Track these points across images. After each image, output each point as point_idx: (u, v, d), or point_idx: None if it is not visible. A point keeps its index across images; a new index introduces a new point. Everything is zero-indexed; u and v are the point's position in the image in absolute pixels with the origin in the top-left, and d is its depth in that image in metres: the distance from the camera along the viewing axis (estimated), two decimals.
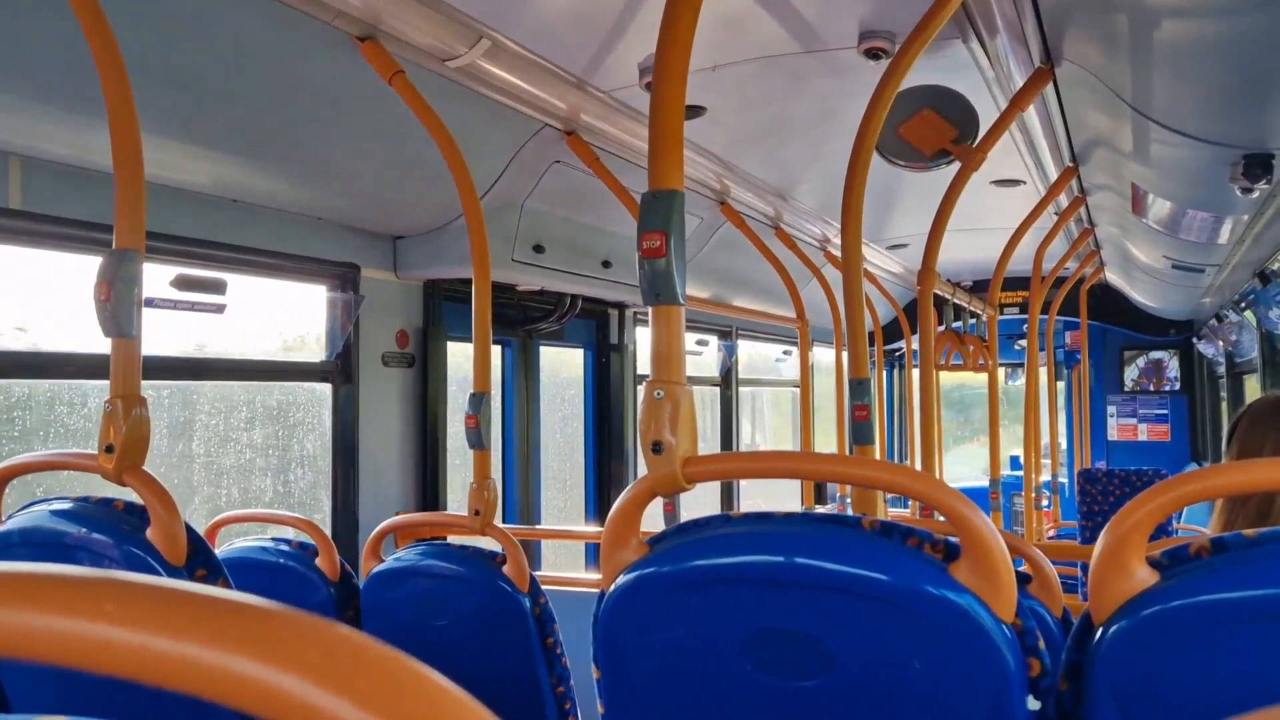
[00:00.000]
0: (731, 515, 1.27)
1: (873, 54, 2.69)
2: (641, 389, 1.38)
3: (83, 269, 2.48)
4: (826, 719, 1.17)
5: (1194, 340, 7.61)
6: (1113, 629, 1.06)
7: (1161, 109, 2.53)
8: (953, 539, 1.15)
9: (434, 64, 2.46)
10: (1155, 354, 8.18)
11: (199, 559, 1.56)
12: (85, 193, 2.34)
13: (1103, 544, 1.08)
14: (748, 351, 6.58)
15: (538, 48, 2.60)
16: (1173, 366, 8.11)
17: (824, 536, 1.18)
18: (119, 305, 1.62)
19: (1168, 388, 8.09)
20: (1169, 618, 1.03)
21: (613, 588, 1.29)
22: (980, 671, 1.10)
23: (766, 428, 7.87)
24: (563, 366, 4.77)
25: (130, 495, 1.62)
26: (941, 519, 1.27)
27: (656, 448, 1.32)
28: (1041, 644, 1.12)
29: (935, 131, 3.00)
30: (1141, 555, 1.07)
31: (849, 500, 6.00)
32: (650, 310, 1.38)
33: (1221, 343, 5.84)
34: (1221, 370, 6.62)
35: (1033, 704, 1.11)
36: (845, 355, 5.69)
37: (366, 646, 0.35)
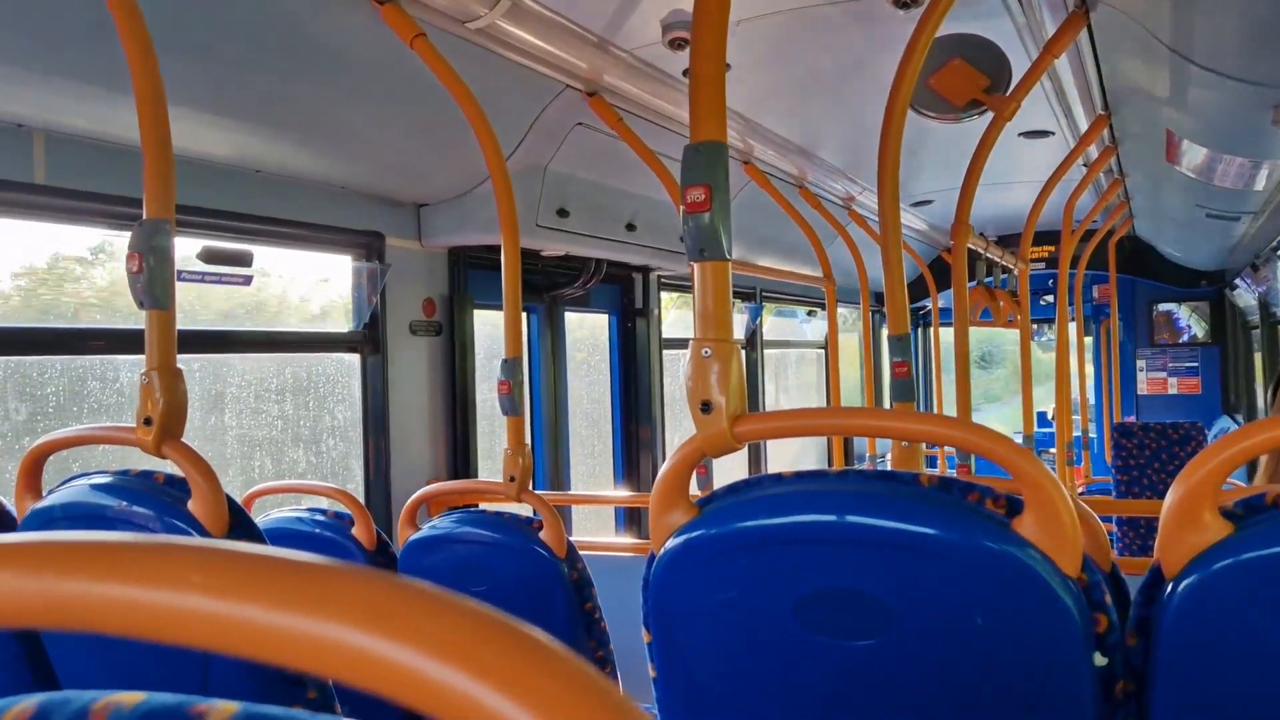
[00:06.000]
0: (783, 474, 1.25)
1: (902, 3, 2.62)
2: (688, 349, 1.34)
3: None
4: (885, 677, 1.15)
5: (1227, 291, 7.49)
6: (1184, 583, 1.03)
7: (1202, 49, 2.46)
8: (1014, 494, 1.12)
9: (454, 26, 2.41)
10: (1164, 306, 8.02)
11: (241, 530, 1.55)
12: (110, 167, 2.32)
13: (1173, 496, 1.05)
14: (770, 320, 6.52)
15: (558, 7, 2.56)
16: (1183, 318, 7.96)
17: (880, 494, 1.15)
18: (152, 276, 1.60)
19: (1184, 338, 7.95)
20: (1244, 569, 1.00)
21: (663, 550, 1.27)
22: (1046, 627, 1.07)
23: (791, 391, 7.84)
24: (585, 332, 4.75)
25: (169, 467, 1.61)
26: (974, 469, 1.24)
27: (705, 407, 1.29)
28: (1108, 598, 1.09)
29: (966, 81, 2.93)
30: (1214, 506, 1.04)
31: (880, 462, 5.97)
32: (695, 266, 1.35)
33: (1259, 285, 5.72)
34: (1255, 320, 6.52)
35: (1099, 660, 1.08)
36: (870, 314, 5.66)
37: (476, 611, 0.33)
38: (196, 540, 0.35)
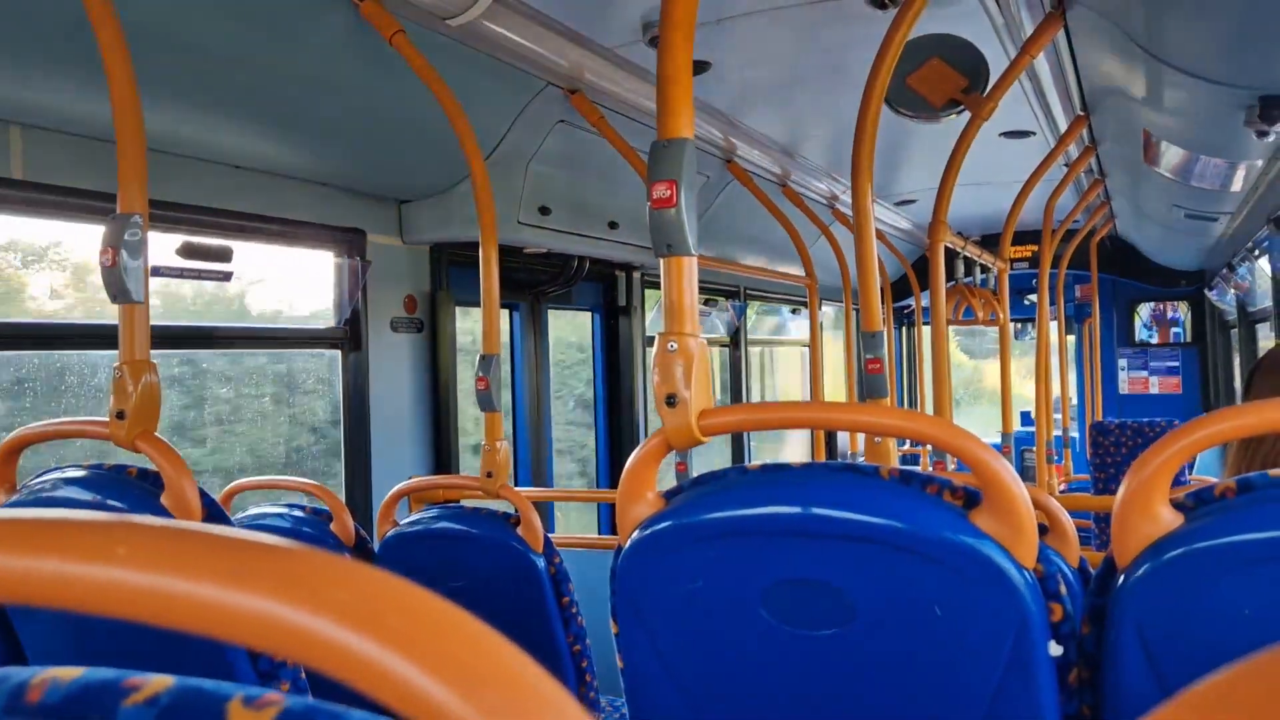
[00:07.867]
0: (747, 467, 1.26)
1: (880, 2, 2.64)
2: (655, 343, 1.36)
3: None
4: (848, 667, 1.17)
5: (1206, 291, 7.54)
6: (1136, 572, 1.05)
7: (1175, 51, 2.48)
8: (972, 487, 1.14)
9: (434, 22, 2.42)
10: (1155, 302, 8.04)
11: (214, 523, 1.55)
12: (88, 161, 2.32)
13: (1126, 487, 1.07)
14: (753, 320, 6.53)
15: (538, 3, 2.56)
16: (1175, 309, 7.95)
17: (842, 485, 1.17)
18: (125, 271, 1.61)
19: (1176, 330, 7.96)
20: (1193, 559, 1.02)
21: (629, 542, 1.28)
22: (1002, 617, 1.09)
23: (777, 392, 7.86)
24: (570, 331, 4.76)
25: (144, 462, 1.61)
26: (953, 468, 1.26)
27: (670, 400, 1.30)
28: (1063, 589, 1.11)
29: (945, 81, 2.95)
30: (1165, 498, 1.06)
31: (860, 459, 6.01)
32: (661, 262, 1.36)
33: (1234, 289, 5.78)
34: (1233, 319, 6.57)
35: (1054, 649, 1.10)
36: (854, 313, 5.69)
37: (392, 583, 0.34)
38: (125, 516, 0.37)
